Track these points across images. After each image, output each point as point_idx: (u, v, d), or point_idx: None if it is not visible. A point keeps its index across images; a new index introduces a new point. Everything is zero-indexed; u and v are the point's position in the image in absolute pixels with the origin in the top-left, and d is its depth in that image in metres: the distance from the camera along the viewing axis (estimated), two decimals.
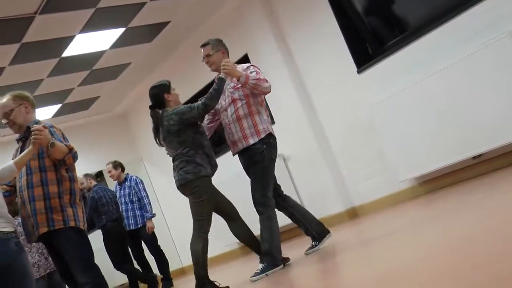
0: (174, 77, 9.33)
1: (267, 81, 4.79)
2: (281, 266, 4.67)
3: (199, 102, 4.64)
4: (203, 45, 4.97)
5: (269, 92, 4.86)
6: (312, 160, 7.24)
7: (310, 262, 4.46)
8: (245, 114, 4.82)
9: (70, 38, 7.24)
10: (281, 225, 7.38)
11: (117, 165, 8.03)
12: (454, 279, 2.01)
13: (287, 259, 4.80)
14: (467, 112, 5.46)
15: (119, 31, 7.57)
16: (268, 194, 4.78)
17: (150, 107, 4.84)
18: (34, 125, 3.83)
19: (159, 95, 4.80)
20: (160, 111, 4.77)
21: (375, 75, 6.41)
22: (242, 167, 5.00)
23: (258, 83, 4.71)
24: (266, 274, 4.54)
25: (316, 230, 4.97)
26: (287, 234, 7.81)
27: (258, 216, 4.80)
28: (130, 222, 7.85)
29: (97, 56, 8.14)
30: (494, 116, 5.26)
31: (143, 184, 8.03)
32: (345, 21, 6.76)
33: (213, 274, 5.23)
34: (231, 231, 4.97)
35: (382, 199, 6.61)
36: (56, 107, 9.64)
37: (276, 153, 4.93)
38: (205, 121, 5.00)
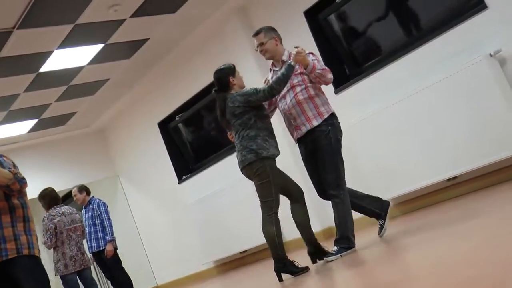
0: (152, 94, 9.41)
1: (330, 72, 4.83)
2: (355, 248, 4.71)
3: (265, 85, 4.67)
4: (256, 34, 4.97)
5: (330, 83, 4.89)
6: None
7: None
8: (305, 98, 4.83)
9: (48, 54, 7.19)
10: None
11: (82, 189, 8.04)
12: None
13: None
14: (443, 134, 5.52)
15: (98, 47, 7.54)
16: (341, 176, 4.82)
17: (216, 90, 4.87)
18: None
19: (225, 78, 4.82)
20: (226, 94, 4.79)
21: (352, 96, 6.45)
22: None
23: (323, 73, 4.77)
24: (341, 255, 4.57)
25: (375, 206, 4.97)
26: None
27: (331, 201, 4.84)
28: (93, 244, 7.86)
29: (75, 71, 8.09)
30: (470, 138, 5.32)
31: (105, 207, 8.02)
32: (323, 41, 6.82)
33: None
34: (292, 212, 4.91)
35: (358, 220, 6.58)
36: (32, 122, 9.55)
37: (341, 133, 4.94)
38: None
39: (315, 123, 4.81)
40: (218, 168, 8.53)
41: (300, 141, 4.97)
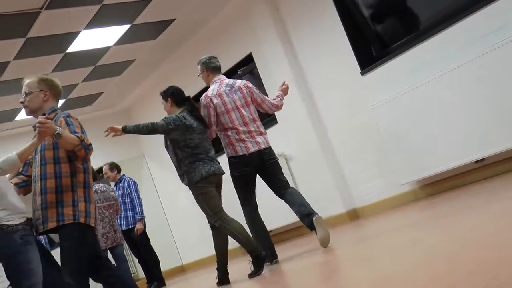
0: (178, 75, 9.44)
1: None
2: None
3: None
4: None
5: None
6: (314, 160, 7.24)
7: (307, 262, 4.46)
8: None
9: (75, 34, 7.25)
10: (277, 226, 7.46)
11: (113, 167, 8.12)
12: (451, 285, 2.01)
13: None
14: (471, 116, 5.45)
15: (124, 27, 7.58)
16: (243, 204, 5.30)
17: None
18: (40, 116, 3.66)
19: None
20: None
21: (379, 77, 6.40)
22: None
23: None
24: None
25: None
26: (284, 235, 7.82)
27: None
28: (122, 222, 7.93)
29: (101, 52, 8.16)
30: (498, 120, 5.25)
31: (135, 186, 8.09)
32: (350, 22, 6.76)
33: (212, 273, 5.26)
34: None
35: (383, 201, 6.61)
36: (59, 102, 9.63)
37: (238, 169, 5.21)
38: None
39: None
40: None
41: None
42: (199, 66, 5.51)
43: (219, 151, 7.94)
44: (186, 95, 5.37)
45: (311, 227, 4.88)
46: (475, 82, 5.38)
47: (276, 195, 5.28)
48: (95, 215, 3.93)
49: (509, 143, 5.20)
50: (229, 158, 5.25)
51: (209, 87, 5.45)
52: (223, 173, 5.19)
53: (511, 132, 5.17)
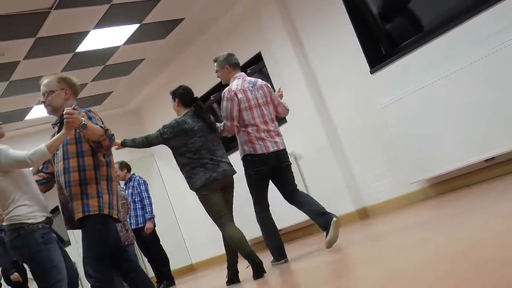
0: (187, 74, 9.45)
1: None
2: None
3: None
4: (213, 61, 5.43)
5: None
6: (324, 159, 7.23)
7: (316, 262, 4.45)
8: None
9: (85, 34, 7.27)
10: (286, 225, 7.44)
11: (123, 166, 8.12)
12: (457, 285, 2.00)
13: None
14: (480, 114, 5.43)
15: (134, 27, 7.60)
16: (256, 202, 5.26)
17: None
18: (66, 108, 3.71)
19: None
20: None
21: (388, 76, 6.38)
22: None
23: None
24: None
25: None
26: (294, 234, 7.82)
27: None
28: (132, 221, 7.94)
29: (111, 51, 8.18)
30: (507, 118, 5.23)
31: (145, 185, 8.10)
32: (359, 20, 6.74)
33: (222, 272, 5.27)
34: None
35: (393, 200, 6.59)
36: None
37: (254, 168, 5.14)
38: None
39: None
40: None
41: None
42: (218, 63, 5.37)
43: (233, 148, 7.94)
44: (195, 95, 5.35)
45: (326, 226, 4.85)
46: (483, 80, 5.35)
47: (284, 198, 5.25)
48: (118, 207, 3.98)
49: None
50: (245, 156, 5.17)
51: (226, 84, 5.35)
52: (231, 174, 5.10)
53: None
